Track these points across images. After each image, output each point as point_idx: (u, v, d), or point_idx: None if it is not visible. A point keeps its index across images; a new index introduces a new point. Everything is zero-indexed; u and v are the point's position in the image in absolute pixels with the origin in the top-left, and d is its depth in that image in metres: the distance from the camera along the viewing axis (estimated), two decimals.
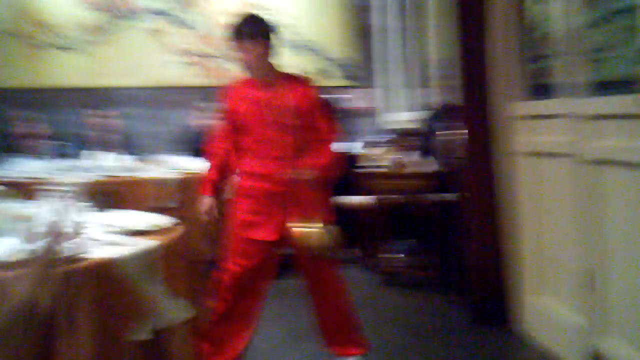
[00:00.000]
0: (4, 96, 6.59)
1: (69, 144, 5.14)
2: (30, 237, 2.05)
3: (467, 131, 3.94)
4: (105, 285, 1.97)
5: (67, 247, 1.99)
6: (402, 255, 5.00)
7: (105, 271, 1.98)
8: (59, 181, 2.70)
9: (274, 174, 3.11)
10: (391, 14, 7.04)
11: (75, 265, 1.91)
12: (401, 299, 4.61)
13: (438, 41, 5.74)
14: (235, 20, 3.17)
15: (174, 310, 2.23)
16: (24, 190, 2.75)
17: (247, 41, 3.11)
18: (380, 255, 5.06)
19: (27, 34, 6.72)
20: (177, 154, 5.28)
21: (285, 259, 5.12)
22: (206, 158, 3.41)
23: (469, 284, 4.05)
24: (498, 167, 3.89)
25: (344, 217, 5.91)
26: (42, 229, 2.16)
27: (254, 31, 3.14)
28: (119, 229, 2.38)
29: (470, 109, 3.92)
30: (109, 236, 2.27)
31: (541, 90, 3.62)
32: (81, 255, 1.96)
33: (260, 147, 3.16)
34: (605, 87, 3.08)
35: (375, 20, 7.16)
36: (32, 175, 4.36)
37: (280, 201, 3.15)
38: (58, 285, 1.85)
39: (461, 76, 3.95)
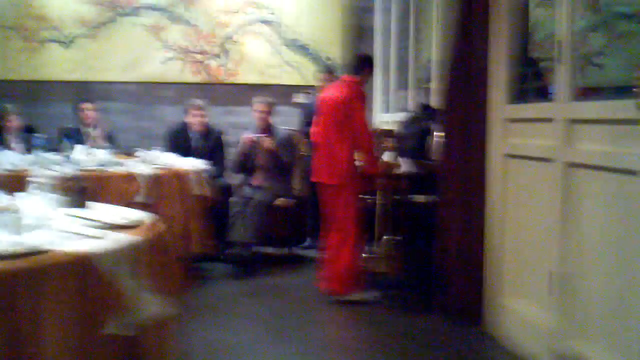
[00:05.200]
0: (1, 89, 6.64)
1: (41, 137, 5.10)
2: (17, 229, 2.06)
3: (446, 133, 3.94)
4: (82, 279, 1.96)
5: (44, 240, 2.00)
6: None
7: (75, 264, 1.98)
8: (38, 174, 2.70)
9: None
10: (380, 16, 7.05)
11: (42, 258, 1.90)
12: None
13: (418, 44, 5.77)
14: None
15: (153, 307, 2.22)
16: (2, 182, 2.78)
17: None
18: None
19: (27, 28, 6.77)
20: (162, 150, 5.27)
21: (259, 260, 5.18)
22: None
23: (444, 285, 4.06)
24: (479, 169, 3.89)
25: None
26: (29, 220, 2.18)
27: None
28: (99, 224, 2.37)
29: (454, 112, 3.92)
30: (88, 230, 2.26)
31: (531, 93, 3.63)
32: (49, 248, 1.95)
33: None
34: (596, 92, 3.09)
35: (366, 21, 7.19)
36: (7, 168, 4.34)
37: None
38: (24, 278, 1.84)
39: (448, 78, 3.94)
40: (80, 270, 1.97)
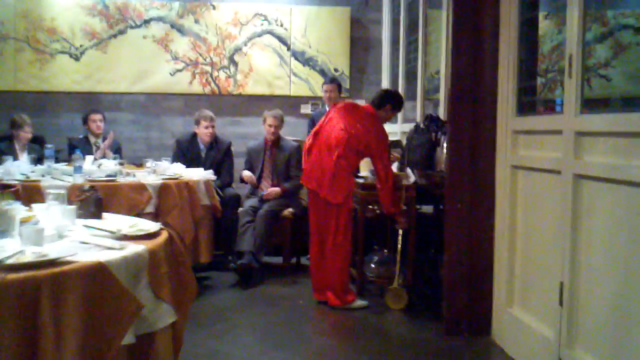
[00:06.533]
0: (11, 100, 6.74)
1: (51, 147, 5.13)
2: (38, 240, 2.10)
3: (453, 144, 3.98)
4: (93, 289, 2.00)
5: (64, 251, 2.03)
6: (374, 266, 4.97)
7: (93, 274, 2.01)
8: (52, 185, 2.74)
9: None
10: (389, 28, 7.11)
11: (63, 268, 1.93)
12: (372, 308, 4.61)
13: (426, 56, 5.81)
14: None
15: (157, 315, 2.26)
16: (15, 192, 2.82)
17: None
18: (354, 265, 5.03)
19: (38, 40, 6.85)
20: (171, 161, 5.31)
21: (264, 270, 5.21)
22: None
23: (443, 294, 4.08)
24: (487, 180, 3.92)
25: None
26: (50, 232, 2.21)
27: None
28: (107, 233, 2.41)
29: (461, 123, 3.95)
30: (97, 239, 2.30)
31: (539, 105, 3.66)
32: (69, 258, 1.98)
33: None
34: (601, 104, 3.10)
35: (375, 33, 7.27)
36: (18, 178, 4.34)
37: None
38: (46, 287, 1.88)
39: (456, 89, 3.97)
40: (99, 279, 2.02)
